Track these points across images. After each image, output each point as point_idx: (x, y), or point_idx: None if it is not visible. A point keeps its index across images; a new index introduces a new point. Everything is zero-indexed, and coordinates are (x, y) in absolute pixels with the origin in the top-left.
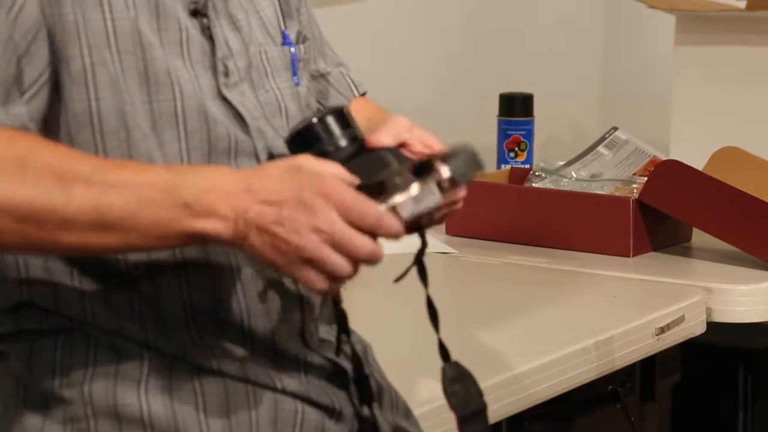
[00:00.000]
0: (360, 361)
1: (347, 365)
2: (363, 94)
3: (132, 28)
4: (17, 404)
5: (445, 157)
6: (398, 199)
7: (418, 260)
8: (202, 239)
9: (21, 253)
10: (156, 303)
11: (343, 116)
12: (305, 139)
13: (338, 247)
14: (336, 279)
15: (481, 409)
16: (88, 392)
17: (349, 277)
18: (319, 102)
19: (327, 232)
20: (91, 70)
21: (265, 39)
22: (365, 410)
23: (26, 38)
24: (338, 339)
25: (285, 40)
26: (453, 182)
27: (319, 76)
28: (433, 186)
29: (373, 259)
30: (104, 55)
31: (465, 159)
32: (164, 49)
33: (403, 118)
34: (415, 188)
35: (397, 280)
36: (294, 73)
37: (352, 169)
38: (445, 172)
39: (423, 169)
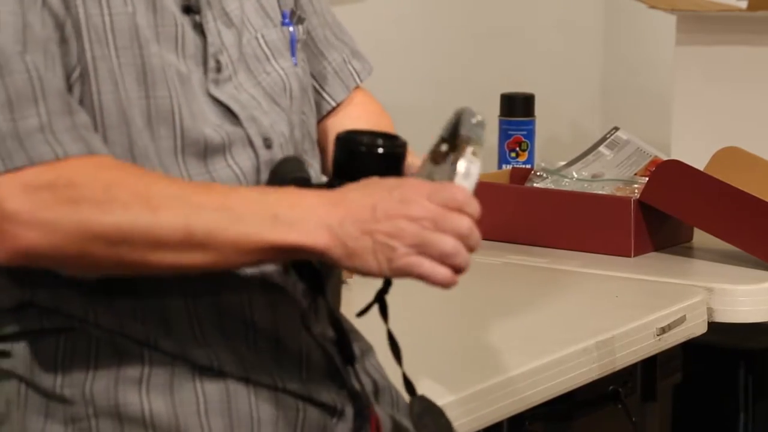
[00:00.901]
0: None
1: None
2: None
3: (129, 24)
4: (19, 404)
5: (454, 129)
6: (458, 179)
7: (380, 298)
8: (294, 251)
9: (118, 274)
10: (158, 301)
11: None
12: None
13: (440, 227)
14: (451, 264)
15: None
16: (90, 392)
17: (463, 260)
18: (318, 84)
19: (426, 217)
20: (92, 64)
21: (264, 22)
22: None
23: (57, 33)
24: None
25: (284, 20)
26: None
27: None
28: (469, 155)
29: (472, 236)
30: (104, 50)
31: (468, 120)
32: (160, 45)
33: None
34: (461, 164)
35: (360, 314)
36: (293, 54)
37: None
38: (464, 138)
39: (439, 153)
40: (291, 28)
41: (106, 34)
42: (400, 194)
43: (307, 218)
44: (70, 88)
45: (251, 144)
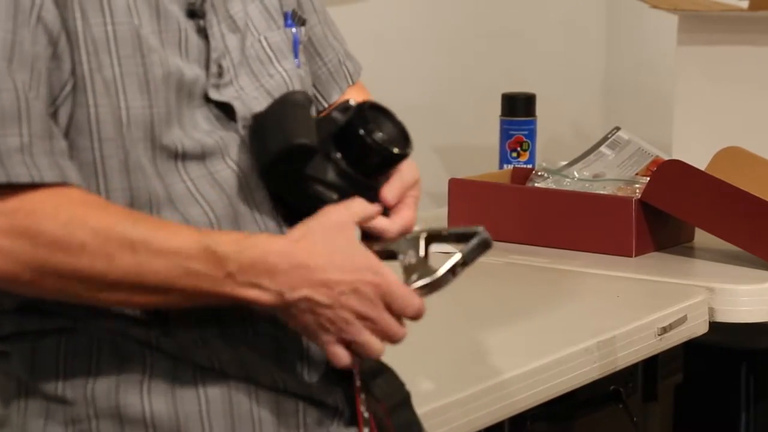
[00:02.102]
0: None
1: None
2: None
3: (132, 33)
4: (19, 406)
5: (462, 238)
6: (423, 281)
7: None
8: (245, 303)
9: (62, 299)
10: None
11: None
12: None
13: (378, 333)
14: (363, 356)
15: (406, 398)
16: (91, 393)
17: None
18: (314, 86)
19: (372, 321)
20: (89, 77)
21: (268, 24)
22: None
23: (48, 50)
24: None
25: (287, 22)
26: (464, 265)
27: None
28: (455, 270)
29: (398, 338)
30: (102, 60)
31: (478, 245)
32: (164, 50)
33: (414, 169)
34: (440, 272)
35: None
36: (295, 56)
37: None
38: (459, 257)
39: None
40: (294, 30)
41: (108, 44)
42: (365, 286)
43: (262, 281)
44: (56, 108)
45: (246, 144)
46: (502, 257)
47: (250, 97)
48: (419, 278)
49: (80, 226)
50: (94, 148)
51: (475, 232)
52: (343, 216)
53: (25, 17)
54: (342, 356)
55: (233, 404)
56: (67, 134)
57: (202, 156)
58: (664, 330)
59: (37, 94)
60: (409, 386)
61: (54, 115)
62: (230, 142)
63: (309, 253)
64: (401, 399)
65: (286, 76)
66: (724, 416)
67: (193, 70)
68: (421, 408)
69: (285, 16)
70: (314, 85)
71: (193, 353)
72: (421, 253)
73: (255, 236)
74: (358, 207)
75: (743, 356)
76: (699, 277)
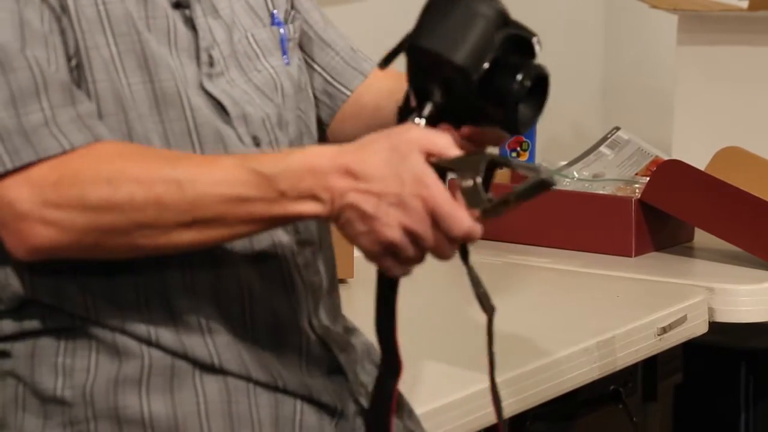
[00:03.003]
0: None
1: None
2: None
3: (124, 11)
4: (17, 407)
5: (526, 170)
6: (482, 207)
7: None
8: (299, 219)
9: (132, 255)
10: (161, 289)
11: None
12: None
13: (420, 245)
14: (407, 268)
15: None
16: (90, 393)
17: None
18: (329, 76)
19: (416, 234)
20: (86, 55)
21: (254, 22)
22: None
23: (56, 25)
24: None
25: (273, 20)
26: (517, 201)
27: (328, 48)
28: (507, 203)
29: (447, 258)
30: (97, 40)
31: (534, 185)
32: (152, 37)
33: None
34: (488, 203)
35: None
36: (284, 53)
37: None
38: (512, 193)
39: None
40: (281, 29)
41: (102, 24)
42: (411, 197)
43: (314, 190)
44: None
45: (241, 141)
46: (501, 257)
47: (241, 91)
48: (470, 205)
49: (123, 181)
50: None
51: (536, 170)
52: (414, 138)
53: None
54: (389, 266)
55: (232, 404)
56: None
57: (215, 135)
58: (664, 330)
59: (57, 67)
60: (409, 386)
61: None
62: (226, 135)
63: (358, 161)
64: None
65: (273, 72)
66: (724, 416)
67: (180, 61)
68: (420, 408)
69: (272, 15)
70: (331, 77)
71: (193, 346)
72: (479, 178)
73: (299, 149)
74: (435, 138)
75: (743, 356)
76: (699, 277)
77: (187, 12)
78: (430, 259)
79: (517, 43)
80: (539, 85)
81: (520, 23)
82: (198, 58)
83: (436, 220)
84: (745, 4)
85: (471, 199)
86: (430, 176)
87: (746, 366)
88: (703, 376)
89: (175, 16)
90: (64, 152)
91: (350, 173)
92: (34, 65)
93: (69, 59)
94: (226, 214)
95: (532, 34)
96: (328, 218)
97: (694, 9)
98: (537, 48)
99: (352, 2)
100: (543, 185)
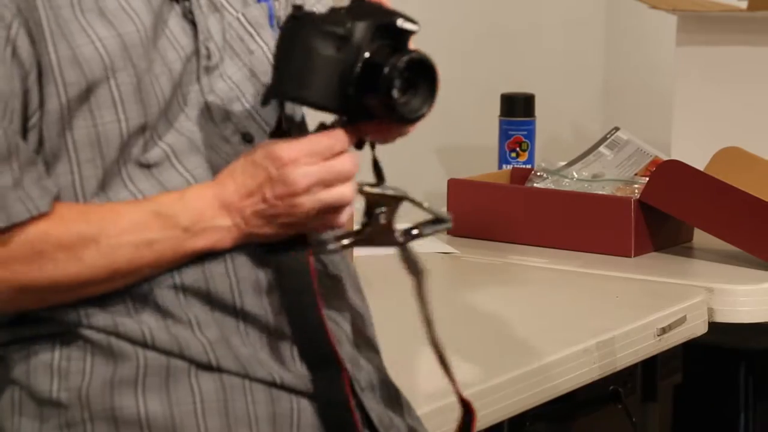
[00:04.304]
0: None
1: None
2: None
3: (120, 45)
4: (13, 411)
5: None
6: (346, 240)
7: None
8: (212, 250)
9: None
10: (150, 293)
11: None
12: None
13: (329, 183)
14: (344, 207)
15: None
16: (86, 395)
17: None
18: None
19: (313, 183)
20: (66, 105)
21: (243, 1)
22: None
23: (23, 84)
24: None
25: None
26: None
27: None
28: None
29: (354, 167)
30: (98, 76)
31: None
32: (158, 49)
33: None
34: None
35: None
36: (272, 26)
37: None
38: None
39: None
40: (268, 3)
41: (103, 61)
42: (279, 172)
43: (216, 221)
44: (25, 136)
45: (228, 141)
46: (501, 257)
47: (231, 85)
48: (348, 236)
49: (46, 241)
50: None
51: (441, 219)
52: (261, 147)
53: (1, 55)
54: (330, 222)
55: (228, 402)
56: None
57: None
58: (664, 330)
59: (17, 129)
60: (408, 387)
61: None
62: (213, 136)
63: (226, 179)
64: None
65: (266, 48)
66: (723, 416)
67: (181, 60)
68: (421, 409)
69: None
70: None
71: (188, 345)
72: (383, 220)
73: (190, 188)
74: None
75: (742, 356)
76: (698, 277)
77: (186, 4)
78: (429, 263)
79: (391, 31)
80: (423, 72)
81: (387, 9)
82: (197, 51)
83: (310, 157)
84: (744, 5)
85: (384, 231)
86: (271, 146)
87: (746, 366)
88: (702, 376)
89: (175, 12)
90: (31, 218)
91: (230, 195)
92: (6, 127)
93: (29, 115)
94: (141, 259)
95: (395, 18)
96: (238, 243)
97: (693, 9)
98: (408, 26)
99: None
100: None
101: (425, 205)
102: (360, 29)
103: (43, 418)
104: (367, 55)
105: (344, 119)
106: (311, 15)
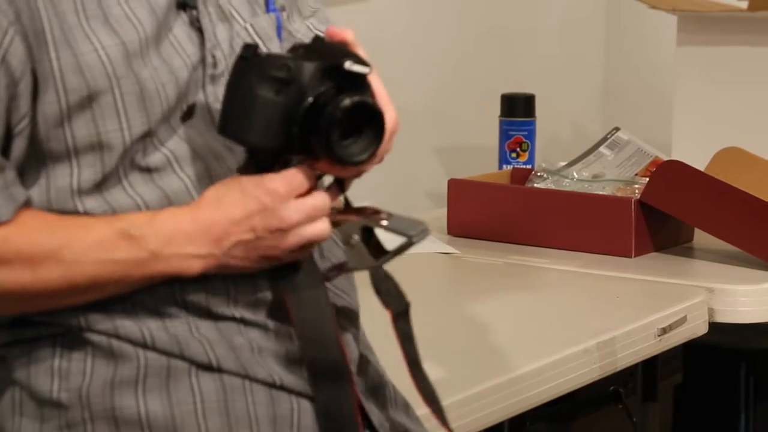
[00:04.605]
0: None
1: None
2: None
3: (123, 52)
4: (14, 411)
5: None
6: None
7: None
8: (178, 275)
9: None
10: (148, 296)
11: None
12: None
13: (313, 219)
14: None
15: (407, 308)
16: (86, 395)
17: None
18: None
19: (302, 219)
20: (66, 108)
21: (252, 9)
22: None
23: (9, 91)
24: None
25: (269, 7)
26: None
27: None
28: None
29: (328, 207)
30: (101, 84)
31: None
32: (161, 55)
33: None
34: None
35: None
36: (279, 39)
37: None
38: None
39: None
40: (277, 15)
41: (105, 68)
42: (275, 205)
43: (183, 251)
44: (11, 138)
45: (231, 150)
46: (501, 258)
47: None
48: (336, 269)
49: (6, 249)
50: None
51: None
52: (250, 179)
53: None
54: (305, 255)
55: (229, 402)
56: (29, 153)
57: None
58: (664, 331)
59: None
60: (409, 388)
61: (6, 148)
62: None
63: (210, 206)
64: (403, 308)
65: None
66: (724, 417)
67: (187, 67)
68: (421, 409)
69: (266, 2)
70: None
71: (188, 347)
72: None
73: (166, 210)
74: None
75: (743, 357)
76: (698, 277)
77: (194, 12)
78: (429, 264)
79: (341, 73)
80: (369, 117)
81: (342, 50)
82: (203, 60)
83: (294, 193)
84: (744, 5)
85: (359, 254)
86: (264, 179)
87: (746, 366)
88: (703, 376)
89: (182, 20)
90: None
91: (214, 222)
92: None
93: (15, 122)
94: (103, 277)
95: (343, 61)
96: (210, 269)
97: (693, 9)
98: (357, 68)
99: (352, 3)
100: (408, 244)
101: (385, 225)
102: (305, 71)
103: (43, 419)
104: (310, 99)
105: (296, 158)
106: (258, 56)
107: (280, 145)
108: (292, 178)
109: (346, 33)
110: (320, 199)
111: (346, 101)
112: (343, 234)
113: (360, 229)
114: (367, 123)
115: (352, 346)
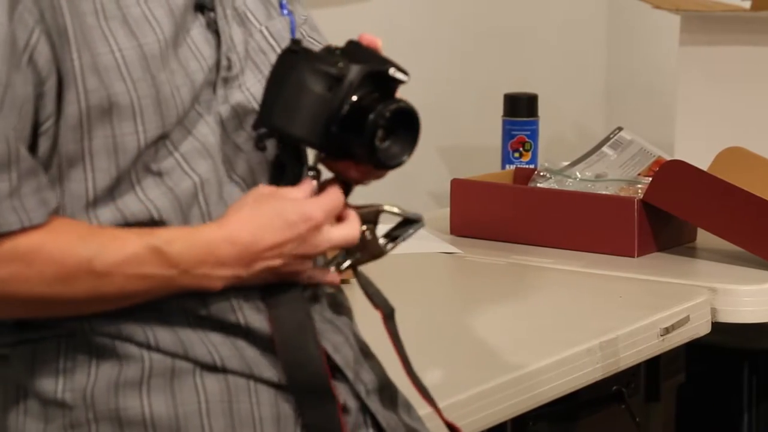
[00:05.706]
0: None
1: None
2: None
3: (140, 56)
4: (18, 412)
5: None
6: (345, 264)
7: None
8: (205, 290)
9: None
10: (153, 307)
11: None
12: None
13: (337, 247)
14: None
15: (392, 312)
16: (90, 396)
17: None
18: None
19: (328, 247)
20: (85, 109)
21: (268, 13)
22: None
23: (36, 90)
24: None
25: (282, 9)
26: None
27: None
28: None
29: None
30: (117, 87)
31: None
32: (179, 59)
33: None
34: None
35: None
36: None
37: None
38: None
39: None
40: (291, 17)
41: (120, 70)
42: (309, 233)
43: (212, 272)
44: (35, 141)
45: (241, 150)
46: (504, 257)
47: (248, 96)
48: (345, 260)
49: (38, 257)
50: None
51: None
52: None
53: (18, 59)
54: (324, 277)
55: (233, 402)
56: (50, 156)
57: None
58: (667, 330)
59: (22, 136)
60: (408, 387)
61: (33, 146)
62: (227, 145)
63: (247, 230)
64: (390, 311)
65: None
66: (727, 416)
67: (203, 71)
68: (423, 409)
69: (281, 4)
70: None
71: (193, 348)
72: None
73: (201, 228)
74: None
75: (746, 356)
76: (701, 277)
77: (211, 14)
78: (432, 263)
79: (382, 78)
80: (407, 122)
81: (381, 56)
82: (218, 62)
83: (330, 218)
84: (747, 5)
85: (372, 245)
86: (308, 205)
87: (749, 366)
88: (705, 376)
89: (199, 22)
90: (22, 228)
91: (248, 244)
92: (10, 135)
93: (42, 121)
94: (131, 290)
95: (387, 67)
96: (234, 284)
97: (696, 9)
98: (399, 76)
99: (352, 3)
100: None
101: (395, 210)
102: (353, 72)
103: (47, 419)
104: (354, 98)
105: (322, 155)
106: (307, 51)
107: (321, 143)
108: (329, 202)
109: (377, 40)
110: (351, 229)
111: (393, 105)
112: None
113: (370, 217)
114: (403, 127)
115: (344, 350)
